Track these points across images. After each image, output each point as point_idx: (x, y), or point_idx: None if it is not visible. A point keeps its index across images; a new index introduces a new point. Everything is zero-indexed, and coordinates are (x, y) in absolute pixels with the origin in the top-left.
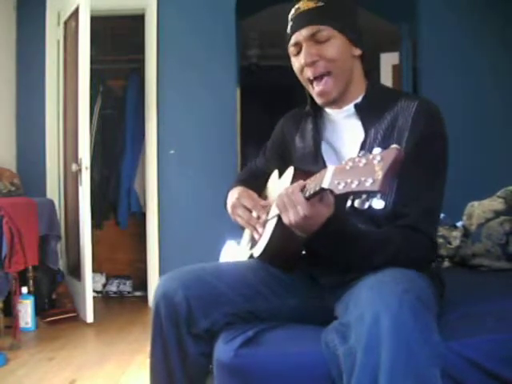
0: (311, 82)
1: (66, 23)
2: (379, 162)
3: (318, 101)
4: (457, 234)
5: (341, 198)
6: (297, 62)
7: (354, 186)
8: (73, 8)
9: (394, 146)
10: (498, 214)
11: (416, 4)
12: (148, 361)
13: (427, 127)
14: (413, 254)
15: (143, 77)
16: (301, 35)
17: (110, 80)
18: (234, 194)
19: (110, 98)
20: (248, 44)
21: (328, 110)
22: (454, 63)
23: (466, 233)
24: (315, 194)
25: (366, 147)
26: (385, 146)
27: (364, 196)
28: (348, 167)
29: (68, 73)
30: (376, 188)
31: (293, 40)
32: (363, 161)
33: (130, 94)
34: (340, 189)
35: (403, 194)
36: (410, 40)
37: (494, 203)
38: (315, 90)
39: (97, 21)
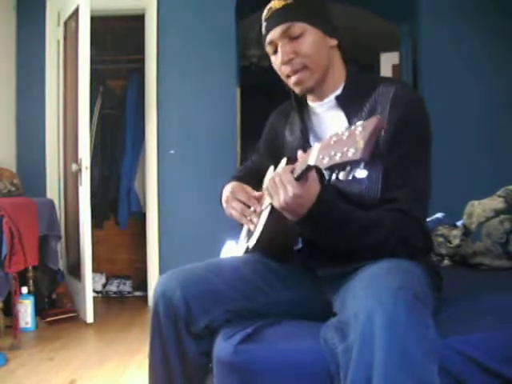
0: (289, 76)
1: (65, 23)
2: (361, 131)
3: (296, 90)
4: (457, 232)
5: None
6: (276, 61)
7: (337, 158)
8: (73, 8)
9: (376, 116)
10: (498, 212)
11: (416, 4)
12: (147, 360)
13: (406, 111)
14: (404, 236)
15: (143, 77)
16: (274, 34)
17: (110, 80)
18: (227, 189)
19: (110, 97)
20: (248, 44)
21: (311, 103)
22: (454, 63)
23: (466, 232)
24: (303, 173)
25: None
26: None
27: (348, 168)
28: (332, 142)
29: (68, 73)
30: (358, 156)
31: (268, 39)
32: (346, 133)
33: (129, 94)
34: (325, 163)
35: (389, 179)
36: (410, 40)
37: (494, 202)
38: (292, 80)
39: (97, 21)
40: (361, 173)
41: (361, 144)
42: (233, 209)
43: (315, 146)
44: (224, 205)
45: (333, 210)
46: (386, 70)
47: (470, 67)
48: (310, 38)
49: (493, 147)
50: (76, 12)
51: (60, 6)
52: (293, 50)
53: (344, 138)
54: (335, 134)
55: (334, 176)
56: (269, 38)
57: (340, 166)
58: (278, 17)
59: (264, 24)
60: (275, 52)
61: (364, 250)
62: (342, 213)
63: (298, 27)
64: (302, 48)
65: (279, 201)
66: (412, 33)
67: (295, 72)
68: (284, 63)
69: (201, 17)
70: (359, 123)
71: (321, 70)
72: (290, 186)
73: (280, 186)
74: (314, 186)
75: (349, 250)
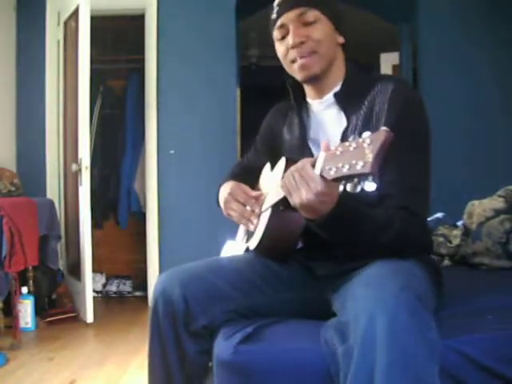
0: (294, 62)
1: (65, 23)
2: (369, 144)
3: (300, 75)
4: (457, 232)
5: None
6: (282, 46)
7: (345, 170)
8: (73, 8)
9: (384, 128)
10: (498, 212)
11: (416, 4)
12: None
13: (403, 108)
14: (410, 235)
15: (143, 77)
16: (288, 17)
17: (110, 80)
18: (225, 189)
19: (110, 98)
20: (248, 44)
21: (310, 100)
22: (453, 63)
23: (467, 231)
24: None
25: (347, 135)
26: (365, 131)
27: (356, 180)
28: (338, 152)
29: (68, 73)
30: (367, 170)
31: (279, 22)
32: (353, 145)
33: (129, 93)
34: (332, 174)
35: (385, 175)
36: (410, 40)
37: (495, 202)
38: (298, 63)
39: (97, 21)
40: (370, 185)
41: (369, 158)
42: (232, 210)
43: (320, 155)
44: (222, 205)
45: (352, 210)
46: (386, 70)
47: (469, 67)
48: (323, 27)
49: (493, 147)
50: (76, 12)
51: (60, 6)
52: (305, 34)
53: (351, 149)
54: (341, 144)
55: (340, 187)
56: (280, 21)
57: (347, 178)
58: (294, 1)
59: (276, 9)
60: (283, 38)
61: (372, 250)
62: (360, 213)
63: (313, 14)
64: (315, 33)
65: (300, 198)
66: (412, 33)
67: (303, 57)
68: (294, 46)
69: (201, 17)
70: (366, 135)
71: (328, 59)
72: (314, 183)
73: (301, 182)
74: (336, 183)
75: (357, 249)
